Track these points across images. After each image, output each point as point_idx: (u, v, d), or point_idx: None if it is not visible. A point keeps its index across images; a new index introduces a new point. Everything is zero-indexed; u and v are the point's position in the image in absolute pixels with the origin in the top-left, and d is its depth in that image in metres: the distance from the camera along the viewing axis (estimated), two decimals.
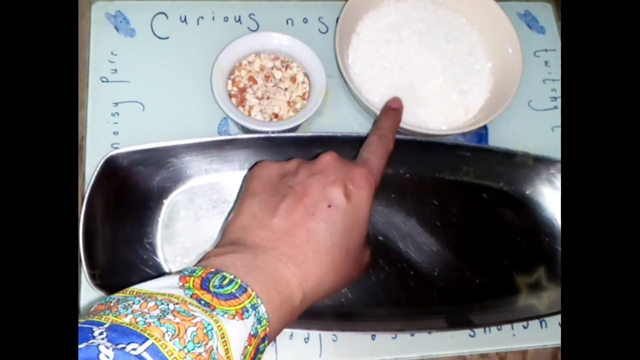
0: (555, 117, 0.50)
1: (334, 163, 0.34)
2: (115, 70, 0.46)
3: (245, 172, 0.44)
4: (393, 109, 0.41)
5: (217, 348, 0.25)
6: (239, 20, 0.49)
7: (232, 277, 0.28)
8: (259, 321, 0.28)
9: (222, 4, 0.50)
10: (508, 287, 0.44)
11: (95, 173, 0.39)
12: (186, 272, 0.28)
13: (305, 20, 0.50)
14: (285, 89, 0.45)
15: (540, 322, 0.44)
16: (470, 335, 0.43)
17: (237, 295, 0.27)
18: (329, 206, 0.32)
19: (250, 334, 0.27)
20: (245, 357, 0.27)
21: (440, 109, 0.47)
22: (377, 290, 0.43)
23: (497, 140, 0.48)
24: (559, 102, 0.51)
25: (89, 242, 0.38)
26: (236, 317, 0.27)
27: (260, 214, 0.32)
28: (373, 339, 0.42)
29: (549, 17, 0.54)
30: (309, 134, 0.45)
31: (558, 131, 0.50)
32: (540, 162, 0.46)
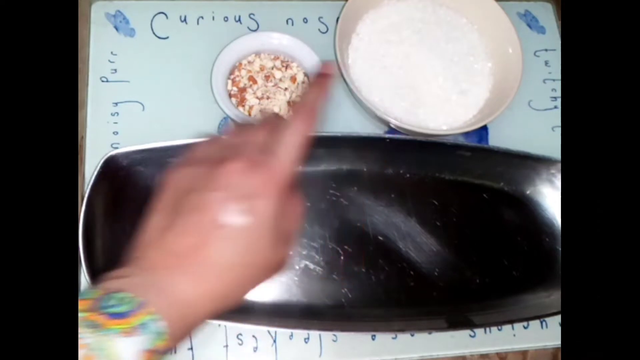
0: (555, 117, 0.50)
1: (235, 175, 0.32)
2: (115, 70, 0.46)
3: None
4: (323, 74, 0.36)
5: None
6: (239, 20, 0.49)
7: (128, 295, 0.28)
8: (156, 336, 0.28)
9: (222, 4, 0.49)
10: (508, 287, 0.44)
11: (95, 173, 0.39)
12: (81, 296, 0.28)
13: (305, 20, 0.50)
14: (285, 89, 0.45)
15: (541, 322, 0.44)
16: (470, 336, 0.43)
17: (130, 313, 0.27)
18: (228, 225, 0.31)
19: (145, 349, 0.27)
20: None
21: (440, 109, 0.46)
22: (377, 291, 0.43)
23: (497, 140, 0.48)
24: (559, 102, 0.51)
25: (89, 242, 0.38)
26: (127, 335, 0.27)
27: (159, 232, 0.32)
28: (373, 339, 0.42)
29: (549, 17, 0.54)
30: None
31: (558, 131, 0.50)
32: (540, 162, 0.46)
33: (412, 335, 0.43)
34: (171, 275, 0.30)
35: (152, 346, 0.27)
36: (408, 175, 0.45)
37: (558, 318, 0.44)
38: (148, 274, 0.30)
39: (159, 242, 0.31)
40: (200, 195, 0.32)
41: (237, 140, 0.34)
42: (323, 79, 0.36)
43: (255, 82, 0.45)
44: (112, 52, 0.46)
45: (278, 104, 0.44)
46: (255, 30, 0.49)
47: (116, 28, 0.47)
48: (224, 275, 0.31)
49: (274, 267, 0.34)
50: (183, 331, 0.30)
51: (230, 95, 0.44)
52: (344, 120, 0.47)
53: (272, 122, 0.34)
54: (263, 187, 0.31)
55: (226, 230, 0.31)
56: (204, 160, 0.34)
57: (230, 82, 0.45)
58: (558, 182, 0.46)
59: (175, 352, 0.40)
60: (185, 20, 0.49)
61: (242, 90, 0.44)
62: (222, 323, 0.40)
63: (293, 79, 0.45)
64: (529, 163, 0.46)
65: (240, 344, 0.41)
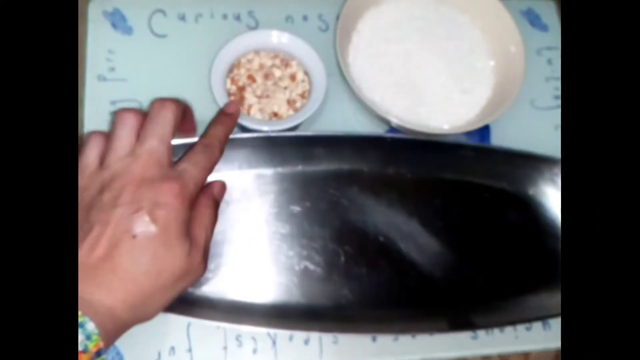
0: (558, 116, 0.50)
1: (139, 186, 0.33)
2: (113, 68, 0.46)
3: (244, 171, 0.43)
4: (227, 114, 0.40)
5: None
6: (238, 17, 0.49)
7: None
8: (88, 337, 0.29)
9: (220, 2, 0.49)
10: (510, 288, 0.44)
11: None
12: None
13: (305, 18, 0.50)
14: (285, 88, 0.45)
15: (543, 324, 0.44)
16: (472, 337, 0.43)
17: None
18: (134, 236, 0.32)
19: (78, 351, 0.28)
20: None
21: (442, 108, 0.46)
22: (378, 292, 0.43)
23: (500, 139, 0.48)
24: None
25: None
26: None
27: None
28: (374, 340, 0.42)
29: (551, 15, 0.53)
30: (309, 134, 0.44)
31: None
32: (543, 161, 0.45)
33: (413, 336, 0.42)
34: (86, 286, 0.31)
35: (85, 347, 0.28)
36: (409, 175, 0.45)
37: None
38: None
39: None
40: (107, 211, 0.33)
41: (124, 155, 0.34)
42: (228, 118, 0.40)
43: (254, 80, 0.44)
44: (109, 51, 0.46)
45: (278, 103, 0.44)
46: (254, 28, 0.48)
47: (114, 26, 0.47)
48: (136, 283, 0.32)
49: (191, 273, 0.34)
50: (110, 336, 0.31)
51: (229, 94, 0.44)
52: (344, 120, 0.47)
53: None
54: (168, 196, 0.33)
55: (134, 241, 0.32)
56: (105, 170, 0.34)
57: (229, 80, 0.44)
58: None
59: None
60: (183, 18, 0.48)
61: (241, 89, 0.44)
62: (221, 325, 0.40)
63: (293, 77, 0.45)
64: (531, 163, 0.45)
65: (239, 346, 0.41)
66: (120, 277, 0.32)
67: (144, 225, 0.32)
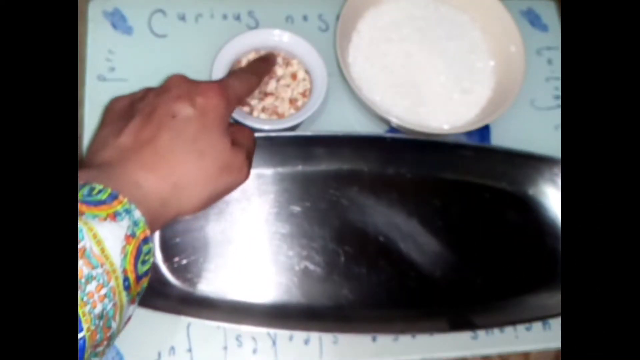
0: (558, 116, 0.50)
1: (180, 81, 0.36)
2: (113, 68, 0.46)
3: None
4: (267, 57, 0.44)
5: (90, 247, 0.27)
6: (238, 17, 0.49)
7: (101, 187, 0.29)
8: (136, 224, 0.30)
9: (220, 2, 0.49)
10: (510, 288, 0.44)
11: None
12: None
13: (305, 18, 0.50)
14: (287, 86, 0.45)
15: (543, 324, 0.44)
16: (472, 337, 0.43)
17: (107, 201, 0.29)
18: (174, 117, 0.33)
19: (126, 234, 0.29)
20: (126, 256, 0.29)
21: (442, 108, 0.46)
22: (378, 292, 0.43)
23: (500, 139, 0.48)
24: None
25: None
26: (108, 220, 0.28)
27: (109, 137, 0.34)
28: (374, 340, 0.42)
29: (551, 15, 0.53)
30: (309, 134, 0.44)
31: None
32: (542, 161, 0.45)
33: (413, 336, 0.42)
34: (131, 169, 0.32)
35: (132, 232, 0.29)
36: (409, 175, 0.45)
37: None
38: (109, 168, 0.32)
39: (110, 144, 0.33)
40: (150, 100, 0.35)
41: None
42: (267, 61, 0.44)
43: None
44: (109, 51, 0.46)
45: (279, 102, 0.44)
46: (254, 28, 0.48)
47: (114, 26, 0.47)
48: (171, 162, 0.33)
49: (234, 169, 0.35)
50: (155, 220, 0.32)
51: None
52: (345, 120, 0.47)
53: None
54: (208, 90, 0.35)
55: (174, 120, 0.33)
56: (139, 91, 0.38)
57: None
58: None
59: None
60: (183, 18, 0.48)
61: None
62: (221, 325, 0.40)
63: (294, 76, 0.45)
64: (531, 163, 0.45)
65: (239, 346, 0.41)
66: (164, 156, 0.33)
67: (183, 108, 0.34)
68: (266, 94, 0.44)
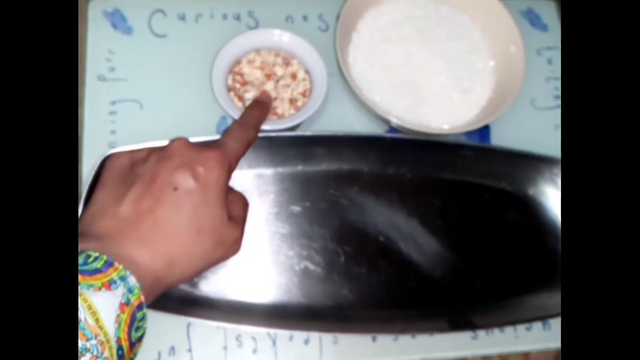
0: (558, 116, 0.50)
1: (182, 148, 0.35)
2: (113, 68, 0.46)
3: (244, 171, 0.43)
4: (260, 101, 0.42)
5: (85, 319, 0.27)
6: (238, 17, 0.49)
7: (97, 254, 0.30)
8: (130, 291, 0.30)
9: (220, 2, 0.49)
10: (510, 288, 0.44)
11: (93, 173, 0.39)
12: None
13: (305, 18, 0.50)
14: (287, 86, 0.45)
15: (543, 324, 0.44)
16: (472, 337, 0.43)
17: (102, 269, 0.29)
18: (175, 189, 0.33)
19: (121, 302, 0.29)
20: (120, 325, 0.29)
21: (442, 108, 0.46)
22: (378, 292, 0.43)
23: (500, 139, 0.48)
24: None
25: None
26: (103, 289, 0.28)
27: (108, 204, 0.34)
28: (374, 340, 0.42)
29: (551, 15, 0.53)
30: (309, 134, 0.44)
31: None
32: (542, 161, 0.45)
33: (413, 336, 0.42)
34: (128, 240, 0.32)
35: (127, 300, 0.29)
36: (409, 175, 0.45)
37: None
38: (106, 240, 0.32)
39: (109, 212, 0.33)
40: (151, 166, 0.34)
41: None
42: (262, 105, 0.42)
43: (255, 79, 0.44)
44: (109, 51, 0.46)
45: (280, 102, 0.44)
46: (254, 28, 0.48)
47: (114, 26, 0.47)
48: (168, 238, 0.33)
49: (228, 244, 0.35)
50: (149, 292, 0.32)
51: (229, 89, 0.44)
52: (344, 120, 0.47)
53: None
54: (210, 160, 0.34)
55: (175, 193, 0.33)
56: (140, 150, 0.37)
57: (230, 79, 0.44)
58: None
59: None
60: (183, 18, 0.48)
61: (243, 87, 0.44)
62: (221, 325, 0.40)
63: (294, 76, 0.45)
64: (531, 163, 0.45)
65: (239, 346, 0.41)
66: (162, 231, 0.32)
67: (185, 180, 0.33)
68: None
